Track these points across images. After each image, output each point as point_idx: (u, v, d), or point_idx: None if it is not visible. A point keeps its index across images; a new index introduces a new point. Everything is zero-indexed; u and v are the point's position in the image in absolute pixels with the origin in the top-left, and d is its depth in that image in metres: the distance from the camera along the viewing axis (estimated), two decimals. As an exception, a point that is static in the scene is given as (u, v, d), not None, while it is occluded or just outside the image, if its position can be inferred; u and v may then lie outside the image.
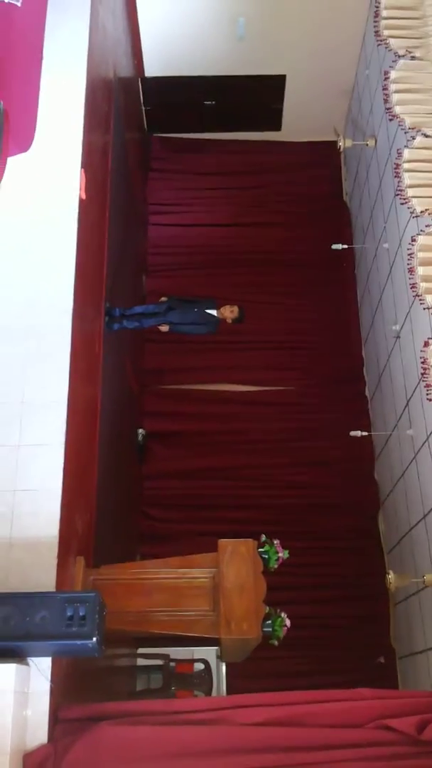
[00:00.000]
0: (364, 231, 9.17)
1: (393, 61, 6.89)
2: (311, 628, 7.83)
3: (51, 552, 4.40)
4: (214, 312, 6.91)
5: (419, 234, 6.29)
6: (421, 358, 6.16)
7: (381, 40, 7.10)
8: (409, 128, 6.54)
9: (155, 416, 9.13)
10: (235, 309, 6.89)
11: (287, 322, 9.69)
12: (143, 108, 10.08)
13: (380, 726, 3.95)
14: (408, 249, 6.41)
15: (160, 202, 10.20)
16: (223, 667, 7.67)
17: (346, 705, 4.08)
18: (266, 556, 5.07)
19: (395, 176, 6.70)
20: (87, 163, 5.73)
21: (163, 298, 7.17)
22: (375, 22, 7.35)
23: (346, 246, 9.40)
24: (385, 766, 3.89)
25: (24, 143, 4.72)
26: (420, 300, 6.12)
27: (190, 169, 10.37)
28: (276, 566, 5.11)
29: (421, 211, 6.27)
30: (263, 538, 5.20)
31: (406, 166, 6.41)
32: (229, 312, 6.88)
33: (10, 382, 4.83)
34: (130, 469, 8.30)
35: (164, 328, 6.91)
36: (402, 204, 6.59)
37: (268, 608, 4.94)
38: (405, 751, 3.91)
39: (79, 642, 3.74)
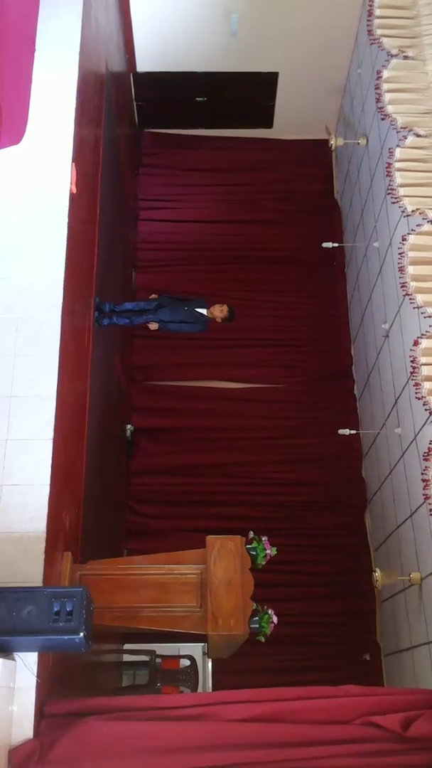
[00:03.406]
0: (355, 229, 9.19)
1: (386, 60, 6.89)
2: (298, 625, 7.85)
3: (38, 547, 4.39)
4: (203, 311, 6.90)
5: (410, 233, 6.31)
6: (410, 356, 6.18)
7: (374, 39, 7.11)
8: (401, 127, 6.56)
9: (143, 412, 9.11)
10: (225, 308, 6.87)
11: (277, 319, 9.69)
12: (134, 103, 10.04)
13: (366, 723, 3.98)
14: (398, 248, 6.42)
15: (150, 198, 10.18)
16: (209, 663, 7.67)
17: (332, 702, 4.10)
18: (254, 553, 5.08)
19: (387, 175, 6.72)
20: (78, 158, 5.71)
21: (153, 296, 7.16)
22: (368, 20, 7.36)
23: (336, 244, 9.42)
24: (370, 763, 3.92)
25: (15, 136, 4.69)
26: (410, 299, 6.14)
27: (181, 165, 10.36)
28: (264, 563, 5.12)
29: (412, 210, 6.28)
30: (251, 534, 5.21)
31: (397, 165, 6.43)
32: (219, 311, 6.87)
33: (-2, 375, 4.81)
34: (118, 464, 8.29)
35: (153, 326, 6.89)
36: (393, 203, 6.61)
37: (255, 605, 4.95)
38: (390, 747, 3.93)
39: (65, 637, 3.74)
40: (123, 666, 7.90)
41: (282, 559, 5.64)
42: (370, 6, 7.28)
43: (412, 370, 6.12)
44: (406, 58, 6.85)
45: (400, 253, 6.29)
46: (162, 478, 8.80)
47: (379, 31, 7.05)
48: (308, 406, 9.28)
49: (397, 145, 6.55)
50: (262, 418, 9.17)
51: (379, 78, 6.88)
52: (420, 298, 6.04)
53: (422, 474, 6.15)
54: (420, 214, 6.25)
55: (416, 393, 5.97)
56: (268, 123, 10.44)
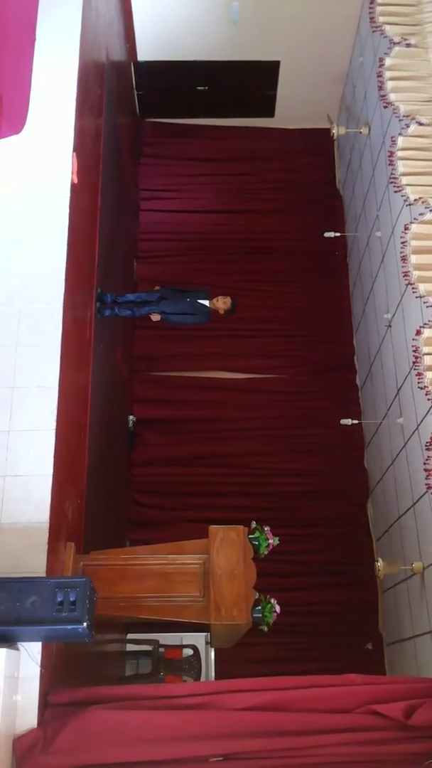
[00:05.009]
0: (357, 219, 9.16)
1: (388, 48, 6.85)
2: (301, 615, 7.87)
3: (41, 537, 4.40)
4: (206, 303, 6.88)
5: (412, 222, 6.29)
6: (412, 346, 6.17)
7: (376, 27, 7.07)
8: (404, 116, 6.53)
9: (146, 403, 9.11)
10: (228, 300, 6.86)
11: (279, 309, 9.67)
12: (135, 92, 9.99)
13: (368, 711, 3.99)
14: (401, 237, 6.41)
15: (151, 188, 10.14)
16: (212, 653, 7.71)
17: (335, 690, 4.12)
18: (257, 543, 5.09)
19: (389, 164, 6.69)
20: (79, 147, 5.69)
21: (156, 287, 7.14)
22: (370, 8, 7.32)
23: (338, 234, 9.38)
24: (373, 751, 3.94)
25: (16, 125, 4.67)
26: (412, 288, 6.13)
27: (182, 154, 10.31)
28: (266, 553, 5.13)
29: (415, 200, 6.26)
30: (254, 524, 5.22)
31: (400, 153, 6.40)
32: (222, 303, 6.85)
33: (0, 367, 4.81)
34: (120, 455, 8.30)
35: (156, 318, 6.88)
36: (395, 192, 6.58)
37: (258, 594, 4.96)
38: (393, 736, 3.95)
39: (69, 627, 3.76)
40: (126, 655, 7.94)
41: (284, 549, 5.65)
42: (372, -7, 7.24)
43: (414, 360, 6.11)
44: (408, 45, 6.81)
45: (402, 243, 6.27)
46: (164, 469, 8.81)
47: (381, 19, 7.00)
48: (310, 397, 9.27)
49: (400, 134, 6.52)
50: (265, 409, 9.17)
51: (381, 66, 6.84)
52: (422, 288, 6.03)
53: (424, 464, 6.16)
54: (423, 203, 6.22)
55: (418, 383, 5.97)
56: (269, 112, 10.38)
